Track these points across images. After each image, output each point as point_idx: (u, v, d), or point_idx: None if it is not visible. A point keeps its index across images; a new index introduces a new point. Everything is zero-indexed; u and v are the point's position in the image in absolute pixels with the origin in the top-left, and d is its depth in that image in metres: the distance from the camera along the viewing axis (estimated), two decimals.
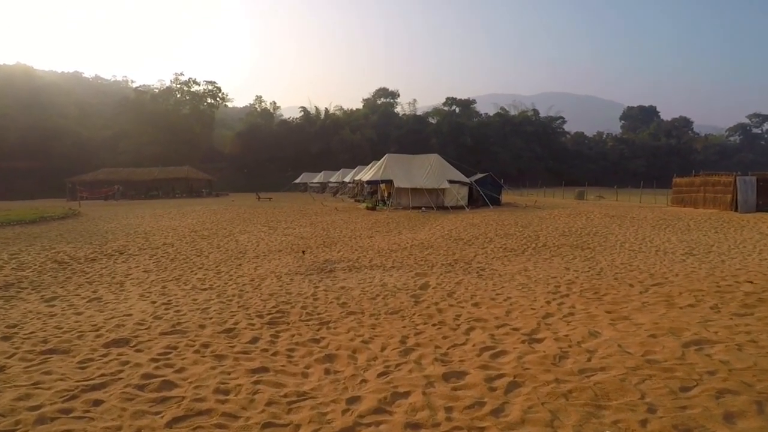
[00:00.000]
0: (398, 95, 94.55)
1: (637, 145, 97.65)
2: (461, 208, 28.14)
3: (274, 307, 7.61)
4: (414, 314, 7.08)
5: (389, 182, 29.55)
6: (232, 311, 7.40)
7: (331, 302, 7.91)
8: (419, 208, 27.40)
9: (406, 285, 9.08)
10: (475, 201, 30.21)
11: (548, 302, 7.48)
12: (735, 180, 23.94)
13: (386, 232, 17.56)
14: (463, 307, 7.37)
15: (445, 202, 28.65)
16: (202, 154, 79.28)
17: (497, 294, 8.13)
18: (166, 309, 7.60)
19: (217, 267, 11.16)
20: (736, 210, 23.23)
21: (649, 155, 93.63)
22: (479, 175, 33.77)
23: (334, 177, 56.06)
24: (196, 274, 10.42)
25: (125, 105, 79.80)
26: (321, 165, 68.89)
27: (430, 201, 28.17)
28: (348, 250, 13.58)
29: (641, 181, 73.94)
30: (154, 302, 8.04)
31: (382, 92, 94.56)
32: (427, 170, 30.12)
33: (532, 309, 7.11)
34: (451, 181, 29.49)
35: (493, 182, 32.81)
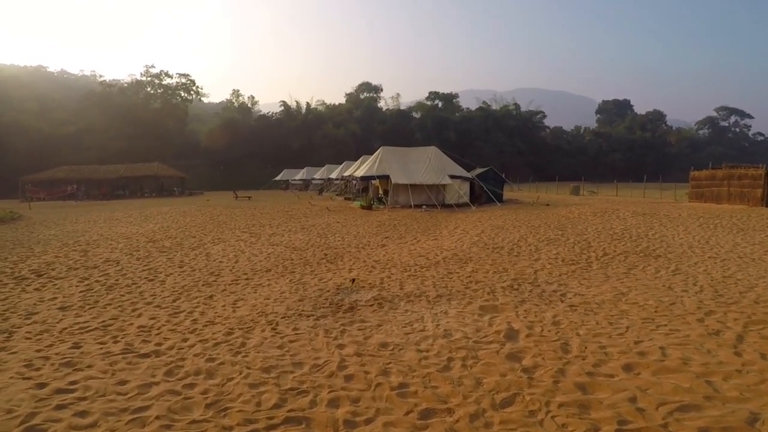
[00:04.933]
0: (381, 89, 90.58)
1: (614, 139, 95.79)
2: (466, 205, 25.13)
3: (276, 406, 3.93)
4: (548, 404, 3.90)
5: (385, 178, 25.94)
6: (193, 422, 3.64)
7: (378, 385, 4.32)
8: (419, 206, 24.13)
9: (482, 332, 5.67)
10: (477, 197, 27.15)
11: (735, 354, 4.81)
12: (766, 173, 21.47)
13: (398, 238, 13.91)
14: (615, 378, 4.40)
15: (446, 199, 25.42)
16: (175, 150, 73.83)
17: (636, 342, 5.25)
18: (59, 407, 3.95)
19: (174, 302, 7.25)
20: (766, 205, 20.89)
21: (626, 149, 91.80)
22: (480, 170, 30.75)
23: (319, 173, 51.84)
24: (139, 316, 6.51)
25: (90, 99, 73.52)
26: (303, 161, 64.52)
27: (431, 198, 24.83)
28: (361, 266, 9.87)
29: (619, 175, 73.26)
30: (40, 386, 4.31)
31: (365, 87, 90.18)
32: (426, 164, 26.81)
33: (747, 377, 4.28)
34: (452, 176, 26.31)
35: (495, 177, 29.92)
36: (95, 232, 15.44)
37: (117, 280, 8.72)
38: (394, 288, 7.96)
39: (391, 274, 9.09)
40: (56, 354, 5.09)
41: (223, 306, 6.94)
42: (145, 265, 10.05)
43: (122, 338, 5.60)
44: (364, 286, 8.13)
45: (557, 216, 18.70)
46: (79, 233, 15.33)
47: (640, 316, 6.20)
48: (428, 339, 5.48)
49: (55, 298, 7.46)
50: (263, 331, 5.80)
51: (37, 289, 8.04)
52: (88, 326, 6.04)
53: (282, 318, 6.32)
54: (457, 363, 4.77)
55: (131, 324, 6.13)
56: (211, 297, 7.50)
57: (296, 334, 5.71)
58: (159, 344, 5.39)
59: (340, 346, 5.30)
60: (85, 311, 6.72)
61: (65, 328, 5.96)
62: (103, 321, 6.25)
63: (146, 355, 5.06)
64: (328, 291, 7.80)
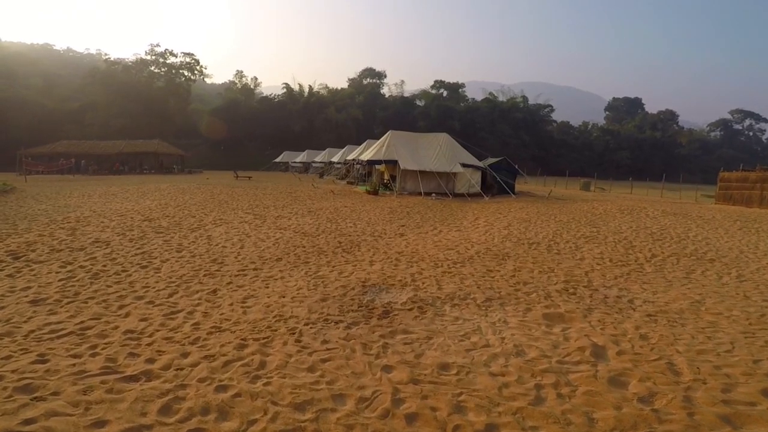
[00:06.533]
0: (385, 76, 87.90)
1: (623, 137, 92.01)
2: (478, 195, 23.76)
3: None
4: None
5: (393, 163, 24.48)
6: None
7: (457, 429, 3.14)
8: (429, 193, 22.73)
9: (560, 349, 4.58)
10: (489, 188, 25.55)
11: None
12: None
13: (416, 227, 12.59)
14: (760, 407, 3.56)
15: (456, 188, 23.93)
16: (176, 129, 71.78)
17: (755, 361, 4.35)
18: None
19: (171, 297, 5.86)
20: None
21: (634, 147, 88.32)
22: (492, 159, 29.29)
23: (320, 157, 50.15)
24: (126, 316, 5.14)
25: (94, 76, 71.12)
26: (303, 144, 62.80)
27: (442, 186, 23.40)
28: (383, 258, 8.54)
29: (624, 173, 72.04)
30: None
31: (369, 72, 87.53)
32: (437, 151, 25.38)
33: None
34: (463, 165, 24.82)
35: (508, 168, 28.29)
36: (87, 208, 13.94)
37: (105, 265, 7.30)
38: (431, 288, 6.65)
39: (422, 269, 7.78)
40: (13, 371, 3.74)
41: (231, 305, 5.57)
42: (138, 248, 8.62)
43: (103, 349, 4.23)
44: (394, 284, 6.79)
45: (582, 211, 17.51)
46: (70, 208, 13.84)
47: (735, 329, 5.26)
48: (498, 358, 4.28)
49: (29, 287, 6.05)
50: (285, 343, 4.46)
51: (9, 276, 6.62)
52: (61, 329, 4.67)
53: (305, 325, 4.98)
54: (550, 392, 3.65)
55: (116, 327, 4.76)
56: (214, 292, 6.12)
57: (327, 349, 4.37)
58: (151, 360, 4.03)
59: (387, 369, 4.02)
60: (61, 307, 5.34)
61: (33, 331, 4.59)
62: (82, 322, 4.88)
63: (134, 378, 3.71)
64: (353, 289, 6.46)
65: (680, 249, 10.40)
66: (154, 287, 6.22)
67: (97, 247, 8.63)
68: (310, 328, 4.88)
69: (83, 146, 46.34)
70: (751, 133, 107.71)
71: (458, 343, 4.61)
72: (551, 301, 6.18)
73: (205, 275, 6.93)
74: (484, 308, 5.79)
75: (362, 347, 4.44)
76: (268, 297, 5.93)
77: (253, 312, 5.32)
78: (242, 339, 4.51)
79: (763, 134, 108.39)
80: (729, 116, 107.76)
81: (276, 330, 4.78)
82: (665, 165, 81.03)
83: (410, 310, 5.62)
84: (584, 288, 6.93)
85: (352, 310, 5.52)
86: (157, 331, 4.69)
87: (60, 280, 6.41)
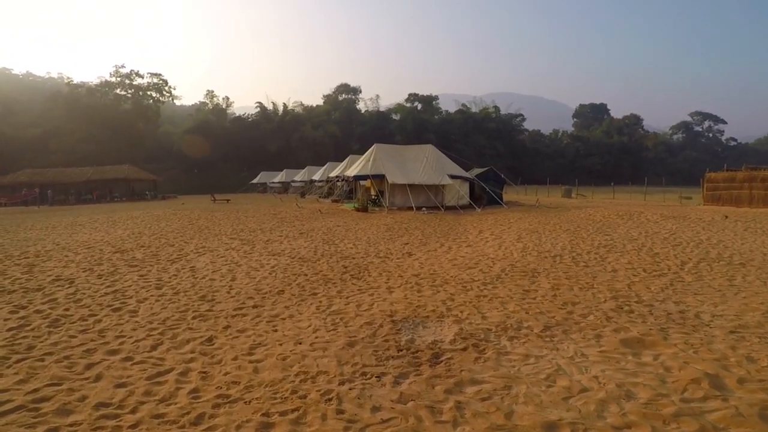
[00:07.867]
0: (360, 91, 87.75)
1: (592, 143, 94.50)
2: (469, 207, 23.19)
3: None
4: None
5: (380, 178, 23.62)
6: None
7: None
8: (420, 208, 22.02)
9: (670, 383, 3.79)
10: (478, 199, 24.97)
11: None
12: None
13: (420, 245, 11.65)
14: None
15: (445, 201, 23.26)
16: (146, 153, 69.49)
17: None
18: None
19: (155, 349, 4.62)
20: None
21: (604, 153, 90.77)
22: (478, 170, 28.81)
23: (299, 176, 48.95)
24: (98, 380, 3.90)
25: (57, 100, 68.48)
26: (280, 163, 61.45)
27: (431, 199, 22.74)
28: (401, 284, 7.49)
29: (596, 178, 72.89)
30: None
31: (344, 88, 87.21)
32: (423, 163, 24.82)
33: None
34: (451, 176, 24.25)
35: (495, 177, 27.89)
36: (50, 241, 12.47)
37: (67, 309, 5.99)
38: (474, 317, 5.62)
39: (451, 294, 6.73)
40: None
41: (235, 359, 4.37)
42: (108, 286, 7.30)
43: None
44: (428, 315, 5.71)
45: (582, 219, 17.07)
46: (30, 242, 12.37)
47: None
48: (608, 405, 3.35)
49: None
50: (324, 417, 3.29)
51: None
52: (7, 401, 3.44)
53: (340, 384, 3.82)
54: None
55: (84, 398, 3.54)
56: (210, 340, 4.90)
57: (383, 421, 3.24)
58: None
59: None
60: (8, 367, 4.09)
61: None
62: (36, 390, 3.65)
63: None
64: (382, 326, 5.34)
65: (704, 254, 9.91)
66: (130, 336, 4.98)
67: (59, 286, 7.29)
68: (349, 389, 3.71)
69: (48, 174, 44.21)
70: (711, 135, 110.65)
71: (547, 391, 3.62)
72: (615, 323, 5.34)
73: (194, 317, 5.70)
74: (548, 339, 4.84)
75: (429, 412, 3.32)
76: (281, 344, 4.75)
77: (267, 368, 4.13)
78: (264, 414, 3.31)
79: (722, 135, 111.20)
80: (689, 118, 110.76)
81: (305, 396, 3.59)
82: (634, 169, 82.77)
83: (464, 349, 4.55)
84: (637, 304, 6.18)
85: (393, 357, 4.39)
86: (142, 403, 3.49)
87: (9, 330, 5.13)
